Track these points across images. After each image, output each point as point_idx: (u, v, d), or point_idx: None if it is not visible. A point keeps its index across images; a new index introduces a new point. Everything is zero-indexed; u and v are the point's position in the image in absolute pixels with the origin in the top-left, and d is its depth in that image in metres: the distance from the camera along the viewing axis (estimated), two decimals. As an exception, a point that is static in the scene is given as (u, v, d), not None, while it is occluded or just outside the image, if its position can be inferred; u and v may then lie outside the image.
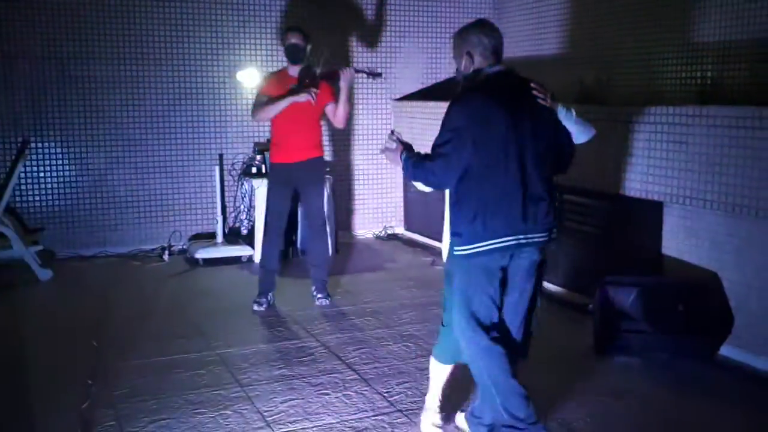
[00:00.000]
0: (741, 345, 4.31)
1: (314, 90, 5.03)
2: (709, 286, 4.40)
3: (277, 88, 5.15)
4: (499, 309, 3.17)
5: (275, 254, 5.33)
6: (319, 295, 5.37)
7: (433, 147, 3.09)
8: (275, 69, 7.16)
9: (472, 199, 3.05)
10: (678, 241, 4.73)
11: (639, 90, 6.11)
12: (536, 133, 3.09)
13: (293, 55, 5.18)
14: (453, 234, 3.14)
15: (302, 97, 5.01)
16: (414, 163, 3.16)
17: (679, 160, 4.61)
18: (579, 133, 3.27)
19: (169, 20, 6.88)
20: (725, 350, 4.38)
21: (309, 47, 5.22)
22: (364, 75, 5.41)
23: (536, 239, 3.11)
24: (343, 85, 5.09)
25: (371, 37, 7.63)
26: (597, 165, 5.23)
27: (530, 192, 3.06)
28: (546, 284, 5.80)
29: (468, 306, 3.12)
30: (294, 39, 5.16)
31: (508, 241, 3.06)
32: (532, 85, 3.14)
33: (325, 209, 5.56)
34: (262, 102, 5.15)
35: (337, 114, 5.23)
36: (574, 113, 3.22)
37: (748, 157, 4.16)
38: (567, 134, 3.25)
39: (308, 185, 5.30)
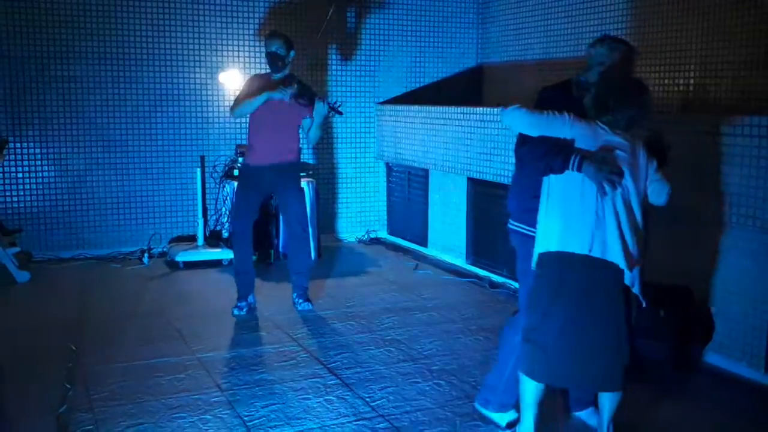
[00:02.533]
0: (722, 351, 4.33)
1: (290, 89, 4.99)
2: (690, 293, 4.42)
3: (259, 90, 5.10)
4: None
5: (247, 258, 5.26)
6: (300, 301, 5.33)
7: None
8: (258, 71, 7.18)
9: None
10: (659, 247, 4.74)
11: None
12: None
13: (274, 62, 5.11)
14: None
15: (277, 94, 4.98)
16: None
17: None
18: None
19: (150, 21, 6.83)
20: (706, 356, 4.40)
21: (291, 54, 5.15)
22: (330, 111, 5.25)
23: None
24: (318, 116, 5.09)
25: (355, 39, 7.62)
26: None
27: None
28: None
29: None
30: (274, 46, 5.09)
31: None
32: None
33: (308, 214, 5.52)
34: (239, 98, 5.16)
35: (309, 134, 5.25)
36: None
37: (730, 164, 4.18)
38: None
39: (285, 191, 5.24)
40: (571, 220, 3.09)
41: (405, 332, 4.91)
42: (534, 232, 3.25)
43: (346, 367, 4.30)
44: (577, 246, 3.08)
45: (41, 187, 6.68)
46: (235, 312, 5.20)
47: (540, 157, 3.04)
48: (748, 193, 4.09)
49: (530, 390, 3.25)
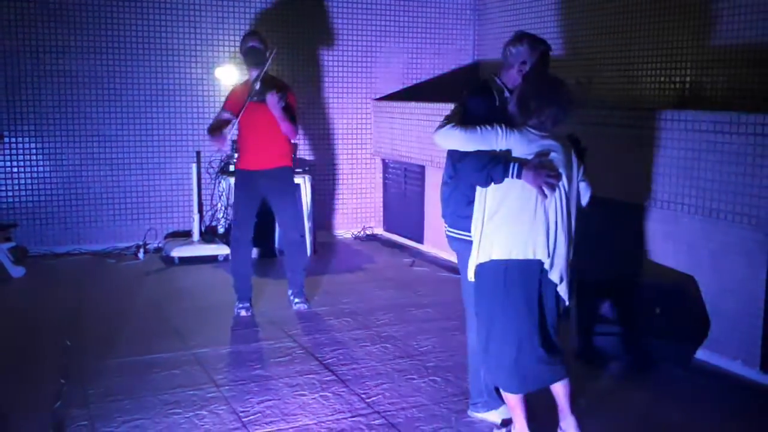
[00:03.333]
0: (717, 349, 4.35)
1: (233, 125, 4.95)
2: (685, 290, 4.43)
3: (237, 100, 5.05)
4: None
5: (247, 262, 5.21)
6: (297, 300, 5.31)
7: None
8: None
9: None
10: (655, 244, 4.76)
11: (618, 94, 6.14)
12: None
13: (249, 58, 5.04)
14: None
15: (215, 138, 5.02)
16: None
17: (657, 164, 4.64)
18: None
19: (146, 15, 6.81)
20: (701, 354, 4.42)
21: (271, 52, 5.00)
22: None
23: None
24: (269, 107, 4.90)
25: (351, 36, 7.61)
26: (576, 168, 5.25)
27: None
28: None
29: None
30: (251, 42, 5.04)
31: None
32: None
33: (304, 212, 5.46)
34: (218, 119, 5.15)
35: (281, 127, 5.04)
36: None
37: (726, 162, 4.19)
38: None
39: (277, 196, 5.17)
40: (514, 227, 3.16)
41: (401, 329, 4.91)
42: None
43: (342, 364, 4.30)
44: (521, 251, 3.15)
45: (36, 181, 6.66)
46: (243, 313, 5.14)
47: (481, 168, 3.13)
48: (743, 191, 4.10)
49: (510, 397, 3.31)
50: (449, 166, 3.45)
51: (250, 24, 7.15)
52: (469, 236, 3.33)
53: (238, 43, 7.05)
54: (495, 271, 3.20)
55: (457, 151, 3.26)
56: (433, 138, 3.30)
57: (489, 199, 3.19)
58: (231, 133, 4.98)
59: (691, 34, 5.54)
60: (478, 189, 3.24)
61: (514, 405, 3.31)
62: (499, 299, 3.21)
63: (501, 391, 3.36)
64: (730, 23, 5.24)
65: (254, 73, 5.05)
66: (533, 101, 3.15)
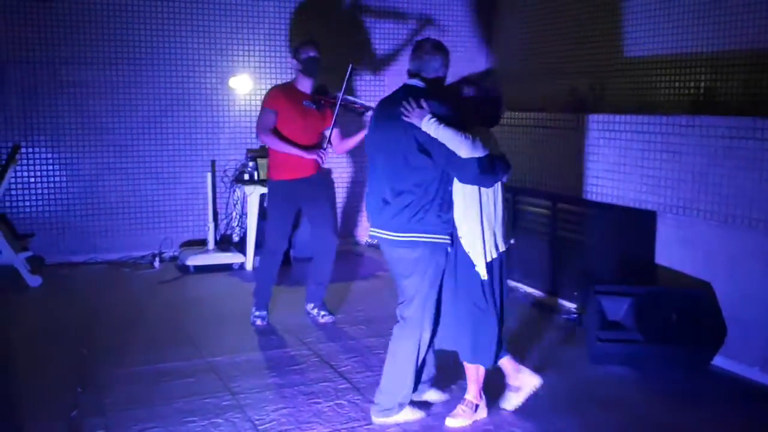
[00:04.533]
0: (734, 355, 4.31)
1: (324, 153, 4.93)
2: (702, 296, 4.40)
3: (287, 104, 4.95)
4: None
5: (275, 270, 5.17)
6: (323, 312, 5.23)
7: None
8: (267, 76, 7.20)
9: None
10: (671, 250, 4.73)
11: (632, 99, 6.12)
12: (393, 143, 3.48)
13: (312, 68, 4.99)
14: None
15: (311, 155, 4.92)
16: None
17: (672, 169, 4.62)
18: (457, 150, 3.39)
19: (161, 26, 6.86)
20: (718, 360, 4.39)
21: (350, 68, 4.89)
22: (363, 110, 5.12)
23: (389, 236, 3.55)
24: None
25: (365, 44, 7.63)
26: (590, 174, 5.24)
27: (381, 194, 3.55)
28: (538, 292, 5.81)
29: None
30: (313, 52, 4.99)
31: (373, 231, 3.66)
32: (405, 101, 3.43)
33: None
34: (269, 126, 4.93)
35: (344, 143, 5.08)
36: (441, 128, 3.36)
37: (741, 168, 4.17)
38: (441, 147, 3.41)
39: (320, 201, 5.10)
40: (496, 222, 3.55)
41: (415, 336, 4.89)
42: (440, 239, 3.50)
43: (357, 372, 4.30)
44: (503, 244, 3.59)
45: (53, 191, 6.72)
46: (258, 322, 5.11)
47: (491, 169, 3.43)
48: (759, 196, 4.07)
49: (483, 371, 3.74)
50: (407, 177, 3.46)
51: (264, 33, 7.18)
52: (438, 238, 3.49)
53: (252, 53, 7.16)
54: (496, 265, 3.56)
55: (450, 158, 3.40)
56: (473, 153, 3.39)
57: (481, 198, 3.50)
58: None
59: (706, 39, 5.51)
60: (470, 190, 3.48)
61: (482, 378, 3.70)
62: (496, 288, 3.58)
63: (475, 368, 3.66)
64: (745, 28, 5.21)
65: (304, 82, 5.00)
66: (497, 108, 3.66)
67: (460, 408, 3.66)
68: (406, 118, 3.42)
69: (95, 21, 6.64)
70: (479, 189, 3.49)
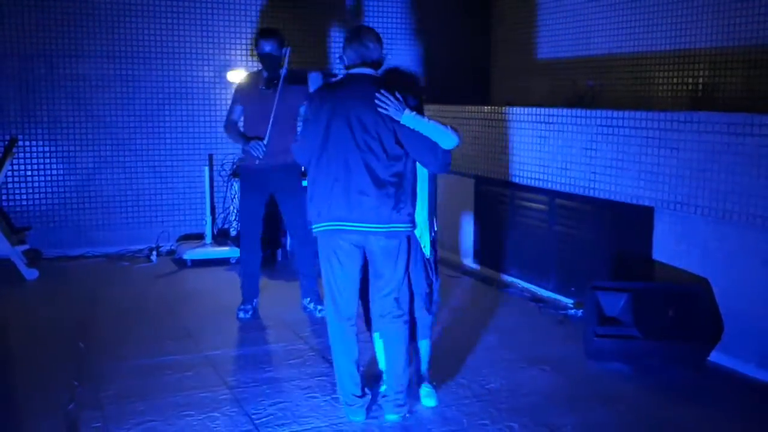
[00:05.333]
0: (731, 351, 4.32)
1: (258, 144, 4.88)
2: (699, 292, 4.41)
3: (246, 93, 5.05)
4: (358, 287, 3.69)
5: (255, 260, 5.19)
6: (320, 307, 5.21)
7: None
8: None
9: (309, 183, 3.61)
10: (668, 246, 4.74)
11: (631, 95, 6.12)
12: (370, 135, 3.44)
13: (266, 64, 4.98)
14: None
15: (253, 150, 4.89)
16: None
17: (670, 165, 4.61)
18: (438, 141, 3.47)
19: (159, 19, 6.85)
20: (715, 356, 4.39)
21: (287, 51, 4.95)
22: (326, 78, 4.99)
23: (363, 228, 3.47)
24: (311, 87, 4.81)
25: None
26: (588, 170, 5.24)
27: (355, 185, 3.44)
28: (536, 288, 5.81)
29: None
30: (268, 47, 4.95)
31: (331, 225, 3.51)
32: (379, 92, 3.41)
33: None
34: (229, 115, 5.13)
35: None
36: (426, 122, 3.43)
37: (739, 164, 4.17)
38: (423, 141, 3.46)
39: (286, 193, 5.14)
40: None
41: (412, 331, 4.90)
42: (410, 228, 3.60)
43: (354, 366, 4.30)
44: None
45: (50, 185, 6.71)
46: (241, 315, 5.15)
47: (447, 155, 3.57)
48: (757, 192, 4.07)
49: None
50: (387, 168, 3.46)
51: (261, 26, 7.16)
52: (410, 227, 3.57)
53: (249, 46, 7.14)
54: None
55: (423, 148, 3.48)
56: (458, 142, 3.52)
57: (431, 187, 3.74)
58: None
59: (704, 35, 5.51)
60: (425, 177, 3.69)
61: None
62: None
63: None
64: (743, 24, 5.21)
65: (265, 73, 5.03)
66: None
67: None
68: (383, 110, 3.41)
69: (93, 14, 6.63)
70: (428, 178, 3.70)
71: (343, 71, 3.69)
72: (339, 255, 3.57)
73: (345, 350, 3.65)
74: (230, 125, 5.14)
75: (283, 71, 4.92)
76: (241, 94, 5.13)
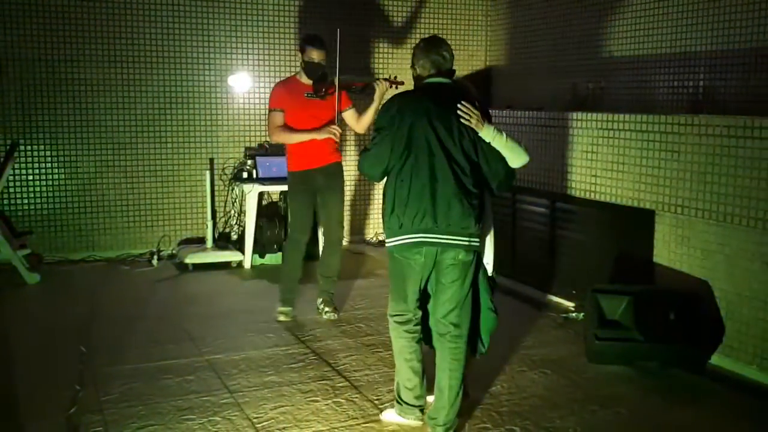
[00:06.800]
0: (731, 354, 4.32)
1: (336, 128, 4.93)
2: (700, 295, 4.41)
3: (289, 100, 5.02)
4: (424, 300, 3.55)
5: (299, 266, 5.19)
6: (327, 309, 5.23)
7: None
8: (266, 74, 7.20)
9: (388, 194, 3.43)
10: (669, 249, 4.74)
11: (631, 98, 6.13)
12: (452, 142, 3.34)
13: (312, 73, 5.03)
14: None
15: (323, 134, 4.93)
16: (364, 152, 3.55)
17: (671, 168, 4.62)
18: (509, 158, 3.44)
19: (160, 23, 6.86)
20: (716, 359, 4.39)
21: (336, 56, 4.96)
22: (392, 85, 5.05)
23: (446, 240, 3.34)
24: (377, 97, 4.94)
25: (363, 41, 7.62)
26: (589, 173, 5.24)
27: (440, 196, 3.32)
28: (537, 291, 5.81)
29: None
30: (317, 57, 5.01)
31: (413, 238, 3.34)
32: (461, 103, 3.34)
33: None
34: (278, 124, 5.01)
35: (361, 120, 5.13)
36: (504, 138, 3.39)
37: (740, 167, 4.17)
38: (496, 156, 3.42)
39: (328, 192, 5.13)
40: None
41: (413, 334, 4.89)
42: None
43: (355, 370, 4.30)
44: None
45: (51, 189, 6.71)
46: (281, 318, 5.13)
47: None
48: (757, 195, 4.08)
49: None
50: (472, 179, 3.38)
51: (263, 31, 7.18)
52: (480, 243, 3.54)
53: (251, 51, 7.15)
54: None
55: (497, 159, 3.44)
56: (527, 162, 3.54)
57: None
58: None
59: (705, 38, 5.52)
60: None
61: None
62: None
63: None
64: (743, 26, 5.22)
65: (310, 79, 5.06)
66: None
67: None
68: (466, 122, 3.32)
69: (94, 19, 6.64)
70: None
71: (411, 80, 3.64)
72: (414, 267, 3.42)
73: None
74: (284, 128, 5.03)
75: (335, 78, 4.95)
76: (285, 100, 5.05)
